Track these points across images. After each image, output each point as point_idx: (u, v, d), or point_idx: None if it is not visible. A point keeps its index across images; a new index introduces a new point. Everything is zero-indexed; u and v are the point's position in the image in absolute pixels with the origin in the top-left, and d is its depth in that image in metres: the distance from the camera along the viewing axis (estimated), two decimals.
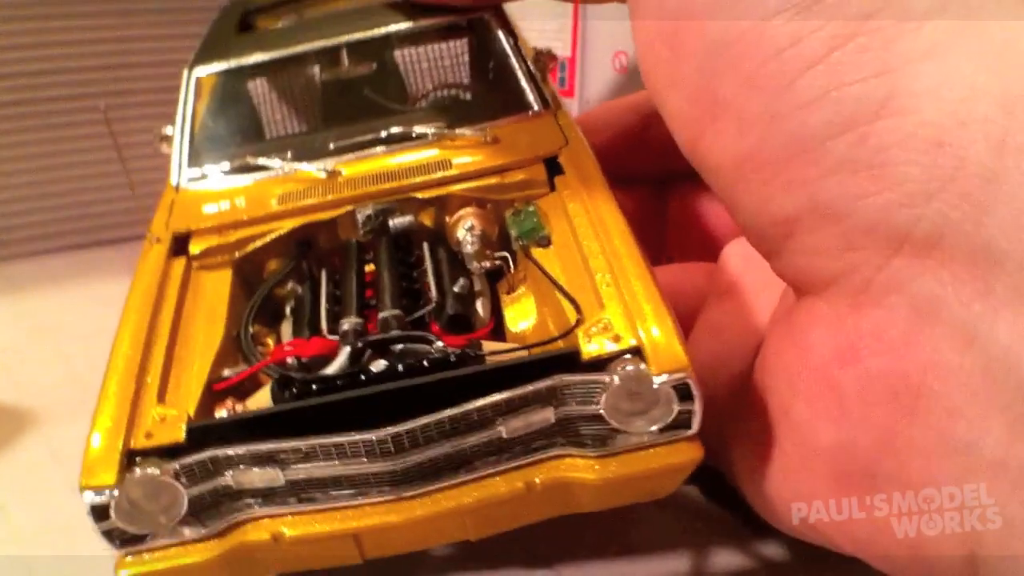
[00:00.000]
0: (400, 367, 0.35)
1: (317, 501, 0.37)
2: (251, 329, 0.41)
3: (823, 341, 0.27)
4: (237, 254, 0.46)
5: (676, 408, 0.32)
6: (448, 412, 0.35)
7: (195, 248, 0.46)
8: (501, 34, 0.51)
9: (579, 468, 0.34)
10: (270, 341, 0.43)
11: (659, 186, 0.49)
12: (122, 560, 0.37)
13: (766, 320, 0.34)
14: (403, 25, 0.51)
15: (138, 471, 0.36)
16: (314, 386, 0.35)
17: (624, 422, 0.33)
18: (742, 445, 0.33)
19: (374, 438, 0.35)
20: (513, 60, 0.49)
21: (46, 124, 0.99)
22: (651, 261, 0.36)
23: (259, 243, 0.46)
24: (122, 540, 0.37)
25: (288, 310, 0.45)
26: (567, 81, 1.48)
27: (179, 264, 0.45)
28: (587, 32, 1.43)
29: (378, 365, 0.37)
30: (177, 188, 0.50)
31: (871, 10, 0.23)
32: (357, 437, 0.35)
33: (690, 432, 0.33)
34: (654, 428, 0.33)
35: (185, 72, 0.55)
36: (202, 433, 0.36)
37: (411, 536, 0.37)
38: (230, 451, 0.36)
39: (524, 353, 0.35)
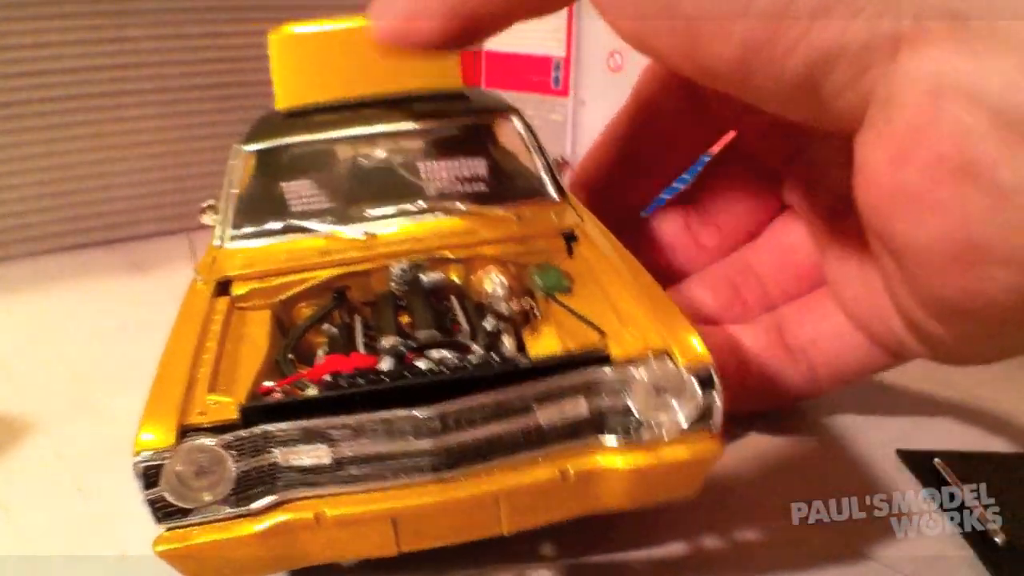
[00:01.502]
0: (443, 368, 0.38)
1: (360, 481, 0.39)
2: (291, 356, 0.44)
3: (879, 159, 0.30)
4: (276, 299, 0.49)
5: (699, 399, 0.36)
6: (492, 395, 0.37)
7: (237, 290, 0.50)
8: (523, 130, 0.58)
9: (606, 458, 0.37)
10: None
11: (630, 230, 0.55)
12: (160, 536, 0.39)
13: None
14: (435, 123, 0.58)
15: (193, 440, 0.37)
16: (361, 380, 0.38)
17: (651, 416, 0.36)
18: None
19: (422, 415, 0.37)
20: (535, 154, 0.56)
21: (40, 125, 1.00)
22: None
23: (298, 289, 0.50)
24: (164, 514, 0.38)
25: (320, 352, 0.48)
26: (561, 81, 1.49)
27: (222, 302, 0.48)
28: (581, 32, 1.43)
29: (423, 363, 0.40)
30: (220, 247, 0.54)
31: None
32: (405, 413, 0.37)
33: (712, 429, 0.37)
34: (679, 421, 0.36)
35: (235, 146, 0.60)
36: (255, 414, 0.38)
37: (446, 525, 0.38)
38: (283, 426, 0.38)
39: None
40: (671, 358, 0.36)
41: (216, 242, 0.56)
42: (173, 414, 0.39)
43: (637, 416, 0.37)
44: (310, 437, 0.38)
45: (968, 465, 0.75)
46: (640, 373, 0.37)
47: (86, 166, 1.18)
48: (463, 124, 0.62)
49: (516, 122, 0.59)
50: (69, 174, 1.13)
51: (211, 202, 0.60)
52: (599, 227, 0.51)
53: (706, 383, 0.36)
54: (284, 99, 0.70)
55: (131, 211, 1.25)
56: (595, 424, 0.38)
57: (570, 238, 0.50)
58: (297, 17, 0.73)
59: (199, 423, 0.38)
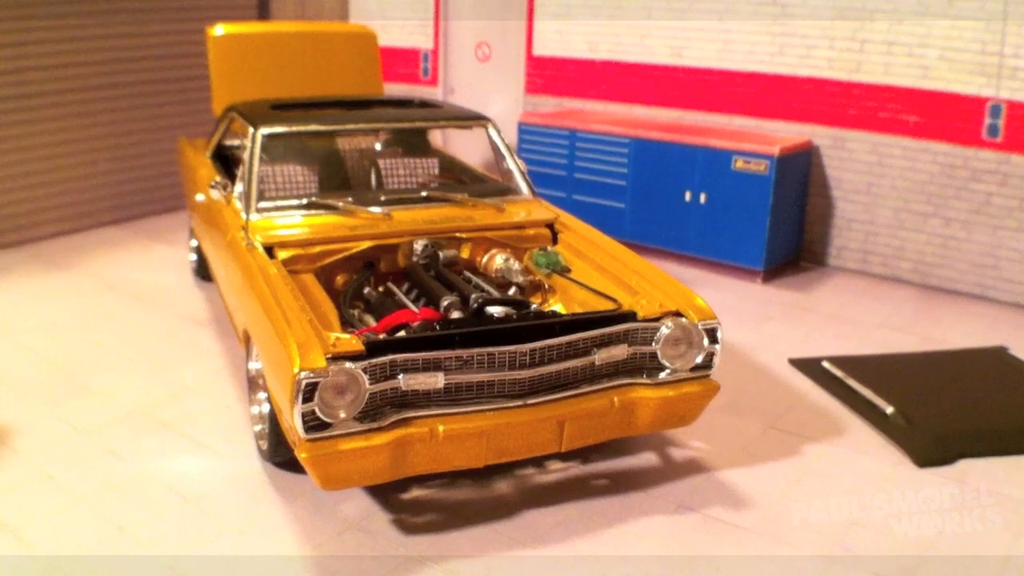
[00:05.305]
0: (519, 316, 0.52)
1: (463, 404, 0.51)
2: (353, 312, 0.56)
3: None
4: (319, 264, 0.62)
5: (706, 349, 0.55)
6: (567, 337, 0.53)
7: (282, 255, 0.63)
8: (496, 137, 0.76)
9: (642, 391, 0.53)
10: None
11: None
12: (303, 444, 0.49)
13: None
14: (423, 124, 0.74)
15: (341, 363, 0.48)
16: (452, 326, 0.50)
17: (670, 360, 0.54)
18: None
19: (519, 350, 0.51)
20: (509, 158, 0.74)
21: None
22: None
23: (339, 256, 0.64)
24: (308, 426, 0.49)
25: (355, 312, 0.60)
26: (431, 71, 1.58)
27: (275, 264, 0.60)
28: (448, 28, 1.53)
29: (497, 312, 0.54)
30: (247, 218, 0.66)
31: None
32: (507, 349, 0.51)
33: (711, 372, 0.55)
34: (697, 361, 0.53)
35: (251, 130, 0.71)
36: (377, 347, 0.49)
37: (522, 442, 0.52)
38: (407, 356, 0.49)
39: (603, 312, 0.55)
40: (685, 317, 0.54)
41: (244, 214, 0.66)
42: (318, 344, 0.50)
43: (661, 360, 0.55)
44: (428, 366, 0.51)
45: (850, 365, 0.92)
46: (666, 327, 0.54)
47: None
48: (446, 128, 0.78)
49: (491, 130, 0.76)
50: None
51: (219, 180, 0.70)
52: (575, 220, 0.68)
53: (713, 337, 0.54)
54: (222, 95, 0.80)
55: (33, 212, 1.22)
56: (628, 366, 0.55)
57: (552, 228, 0.67)
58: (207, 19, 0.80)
59: (333, 352, 0.50)
